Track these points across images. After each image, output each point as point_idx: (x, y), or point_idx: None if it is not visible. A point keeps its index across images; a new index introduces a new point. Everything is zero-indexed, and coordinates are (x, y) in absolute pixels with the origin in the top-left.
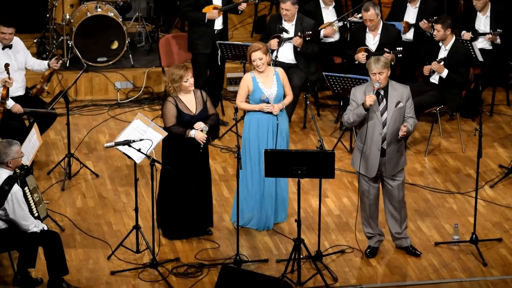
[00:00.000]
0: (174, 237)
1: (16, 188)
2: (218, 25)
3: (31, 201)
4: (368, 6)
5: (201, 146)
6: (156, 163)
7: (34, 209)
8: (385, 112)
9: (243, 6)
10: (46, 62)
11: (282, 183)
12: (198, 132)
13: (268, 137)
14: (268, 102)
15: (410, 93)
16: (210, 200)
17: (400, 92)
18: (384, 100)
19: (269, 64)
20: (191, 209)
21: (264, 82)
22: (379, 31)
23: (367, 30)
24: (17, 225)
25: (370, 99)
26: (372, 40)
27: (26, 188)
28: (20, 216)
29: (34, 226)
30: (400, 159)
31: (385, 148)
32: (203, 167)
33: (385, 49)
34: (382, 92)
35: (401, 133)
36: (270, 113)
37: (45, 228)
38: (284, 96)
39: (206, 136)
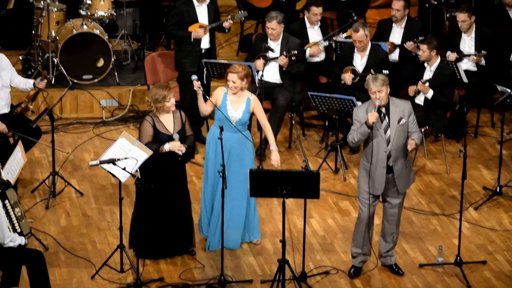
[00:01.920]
0: (148, 257)
1: None
2: (205, 43)
3: (13, 216)
4: (357, 27)
5: (181, 155)
6: (139, 182)
7: (16, 224)
8: (388, 129)
9: (228, 23)
10: (31, 81)
11: (247, 201)
12: (171, 143)
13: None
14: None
15: (411, 108)
16: (190, 220)
17: (401, 108)
18: (386, 117)
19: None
20: (169, 229)
21: (233, 103)
22: (367, 52)
23: (356, 50)
24: None
25: (373, 116)
26: (360, 61)
27: (6, 202)
28: None
29: (10, 240)
30: (410, 174)
31: (391, 165)
32: (182, 187)
33: (371, 70)
34: (383, 110)
35: (410, 147)
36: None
37: (23, 243)
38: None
39: (179, 143)
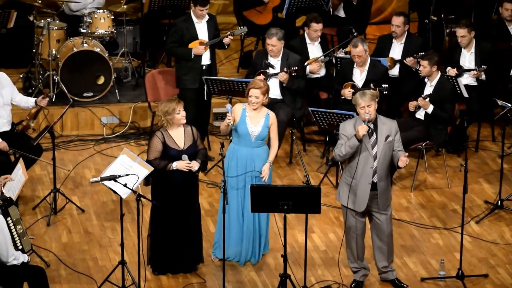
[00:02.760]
0: (162, 272)
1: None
2: (205, 60)
3: (15, 233)
4: (356, 43)
5: (196, 172)
6: (142, 198)
7: (18, 242)
8: (376, 145)
9: (228, 39)
10: (33, 99)
11: (262, 217)
12: (179, 162)
13: (245, 170)
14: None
15: (397, 127)
16: (200, 236)
17: (388, 126)
18: (374, 134)
19: (264, 105)
20: (182, 246)
21: (252, 118)
22: (367, 67)
23: (355, 66)
24: None
25: (363, 129)
26: (359, 76)
27: (8, 219)
28: (1, 246)
29: (14, 258)
30: (390, 192)
31: (375, 182)
32: (193, 203)
33: (371, 85)
34: (371, 126)
35: (402, 164)
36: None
37: (26, 260)
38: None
39: (189, 162)
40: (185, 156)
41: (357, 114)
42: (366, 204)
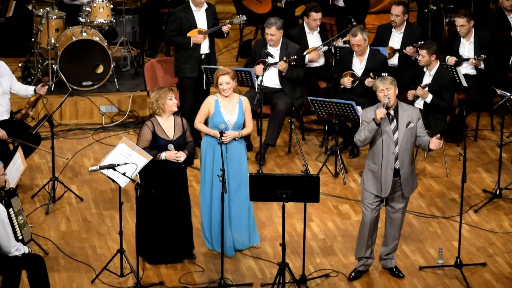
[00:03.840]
0: (154, 262)
1: (0, 208)
2: (204, 49)
3: (16, 224)
4: (356, 32)
5: (182, 164)
6: (139, 187)
7: (18, 232)
8: (396, 131)
9: (227, 28)
10: (32, 87)
11: (243, 208)
12: (167, 152)
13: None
14: (223, 133)
15: (419, 114)
16: (189, 224)
17: (410, 113)
18: (395, 120)
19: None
20: (171, 235)
21: (226, 108)
22: (366, 56)
23: (354, 55)
24: None
25: (381, 112)
26: (359, 65)
27: (10, 210)
28: (2, 237)
29: (16, 249)
30: (415, 180)
31: (397, 168)
32: (183, 193)
33: (370, 74)
34: (392, 112)
35: (434, 146)
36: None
37: (27, 251)
38: (244, 126)
39: (176, 152)
40: (171, 146)
41: (356, 104)
42: (389, 189)
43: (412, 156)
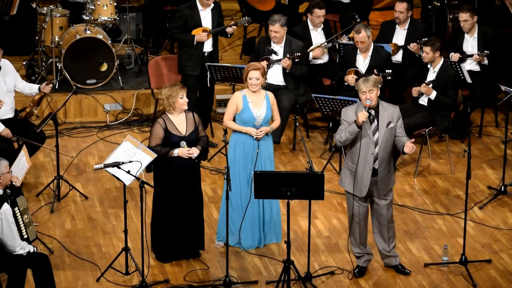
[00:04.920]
0: (166, 260)
1: (5, 207)
2: (208, 47)
3: (21, 223)
4: (359, 28)
5: (195, 159)
6: (145, 185)
7: (24, 231)
8: (377, 132)
9: (231, 29)
10: (36, 86)
11: (274, 205)
12: (180, 149)
13: (253, 158)
14: (257, 129)
15: (399, 113)
16: (202, 222)
17: (390, 113)
18: (375, 120)
19: (262, 87)
20: (184, 232)
21: (254, 103)
22: (370, 53)
23: (358, 52)
24: (3, 245)
25: (363, 115)
26: (363, 62)
27: (16, 209)
28: (7, 236)
29: (21, 248)
30: (391, 178)
31: (376, 168)
32: (196, 189)
33: (374, 71)
34: (373, 113)
35: (408, 150)
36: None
37: (32, 250)
38: (272, 121)
39: (188, 148)
40: (183, 143)
41: (360, 100)
42: (367, 189)
43: (390, 156)
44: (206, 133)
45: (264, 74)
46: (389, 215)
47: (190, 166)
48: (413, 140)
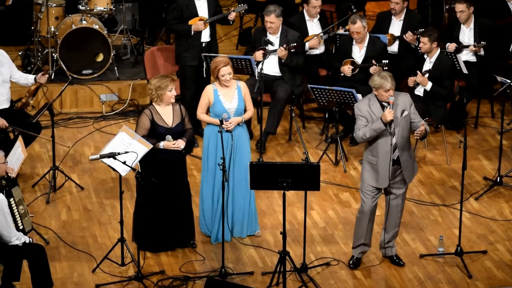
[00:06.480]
0: (155, 250)
1: (1, 197)
2: (205, 37)
3: (16, 213)
4: (355, 19)
5: (182, 151)
6: (140, 175)
7: (19, 222)
8: (393, 123)
9: (233, 15)
10: (32, 76)
11: (252, 197)
12: (165, 142)
13: (227, 150)
14: (226, 121)
15: (411, 99)
16: (190, 212)
17: (402, 101)
18: None
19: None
20: (172, 223)
21: (225, 96)
22: (366, 43)
23: (354, 43)
24: None
25: (390, 114)
26: (359, 53)
27: (11, 200)
28: (3, 226)
29: (16, 238)
30: (414, 164)
31: (396, 157)
32: (184, 180)
33: (372, 61)
34: (386, 104)
35: (416, 133)
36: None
37: (27, 241)
38: (245, 111)
39: (174, 142)
40: (168, 137)
41: (356, 91)
42: (388, 180)
43: (409, 142)
44: (191, 126)
45: (232, 67)
46: (403, 205)
47: (177, 158)
48: (423, 122)
